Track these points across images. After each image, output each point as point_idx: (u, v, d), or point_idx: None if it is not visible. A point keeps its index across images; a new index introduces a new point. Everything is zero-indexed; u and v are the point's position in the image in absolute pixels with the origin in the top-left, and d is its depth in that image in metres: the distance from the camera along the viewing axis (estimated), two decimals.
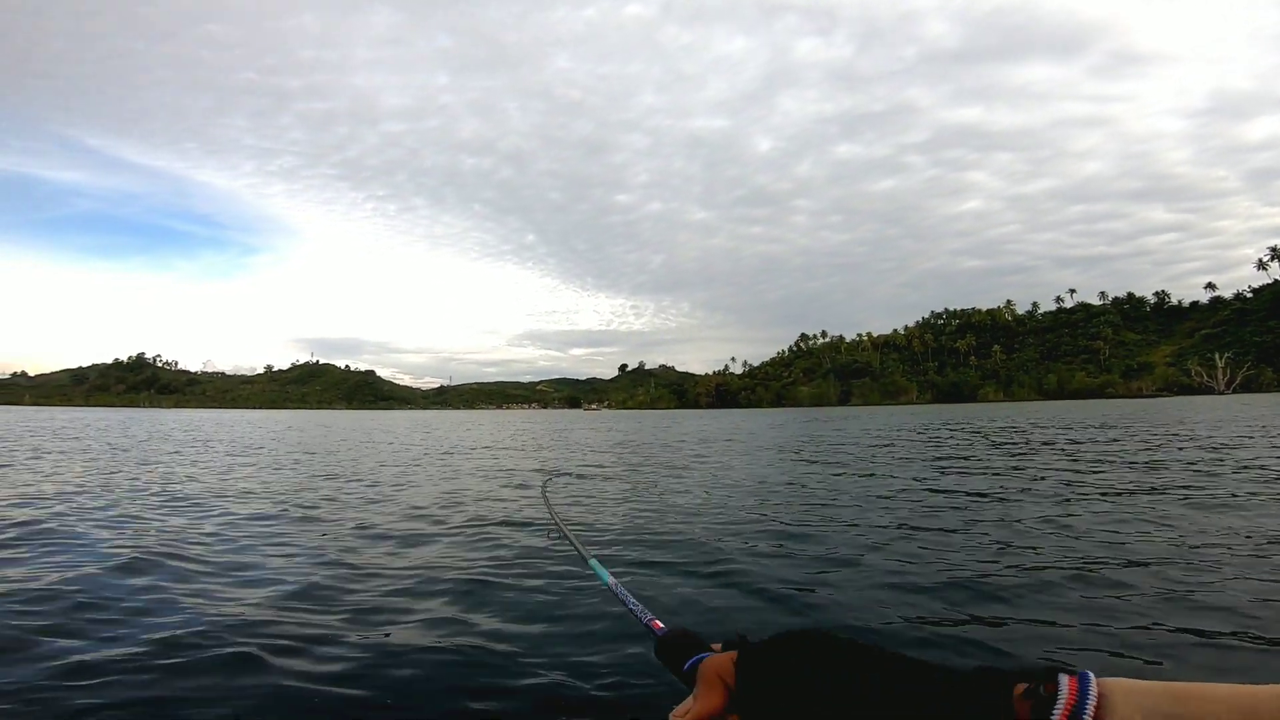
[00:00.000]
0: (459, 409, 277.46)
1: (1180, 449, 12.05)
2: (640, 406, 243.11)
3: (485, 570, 4.28)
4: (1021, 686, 0.42)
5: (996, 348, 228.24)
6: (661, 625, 0.94)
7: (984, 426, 24.25)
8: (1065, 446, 13.54)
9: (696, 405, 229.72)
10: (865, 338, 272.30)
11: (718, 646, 0.71)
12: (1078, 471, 9.15)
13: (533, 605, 3.51)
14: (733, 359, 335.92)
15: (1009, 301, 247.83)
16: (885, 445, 15.71)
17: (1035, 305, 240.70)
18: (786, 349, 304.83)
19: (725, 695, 0.58)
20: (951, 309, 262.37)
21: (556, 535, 1.66)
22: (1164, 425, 20.39)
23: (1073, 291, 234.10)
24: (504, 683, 2.63)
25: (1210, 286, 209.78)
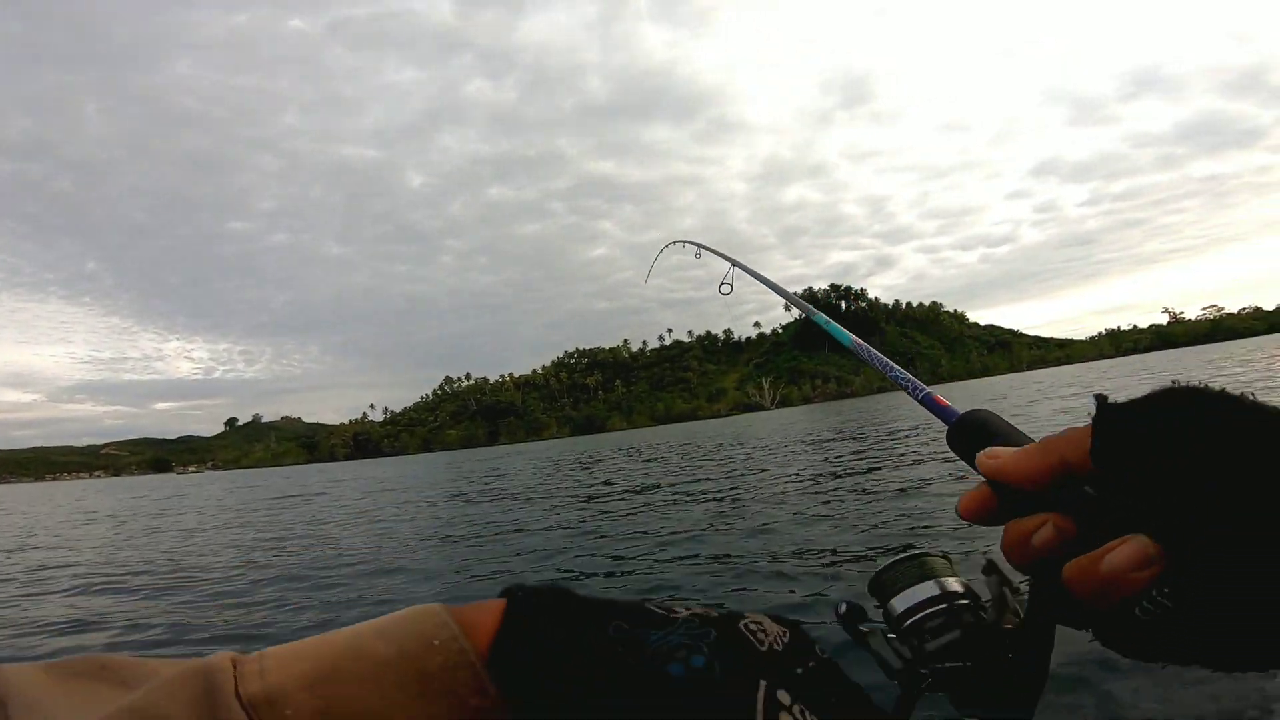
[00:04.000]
0: None
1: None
2: (259, 464, 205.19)
3: None
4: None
5: (619, 382, 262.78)
6: None
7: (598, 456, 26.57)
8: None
9: (333, 458, 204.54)
10: (508, 378, 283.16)
11: None
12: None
13: None
14: (372, 406, 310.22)
15: (625, 340, 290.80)
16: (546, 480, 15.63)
17: (644, 343, 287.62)
18: (430, 393, 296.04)
19: None
20: (582, 348, 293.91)
21: None
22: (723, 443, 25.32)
23: (670, 330, 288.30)
24: None
25: (757, 325, 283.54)
